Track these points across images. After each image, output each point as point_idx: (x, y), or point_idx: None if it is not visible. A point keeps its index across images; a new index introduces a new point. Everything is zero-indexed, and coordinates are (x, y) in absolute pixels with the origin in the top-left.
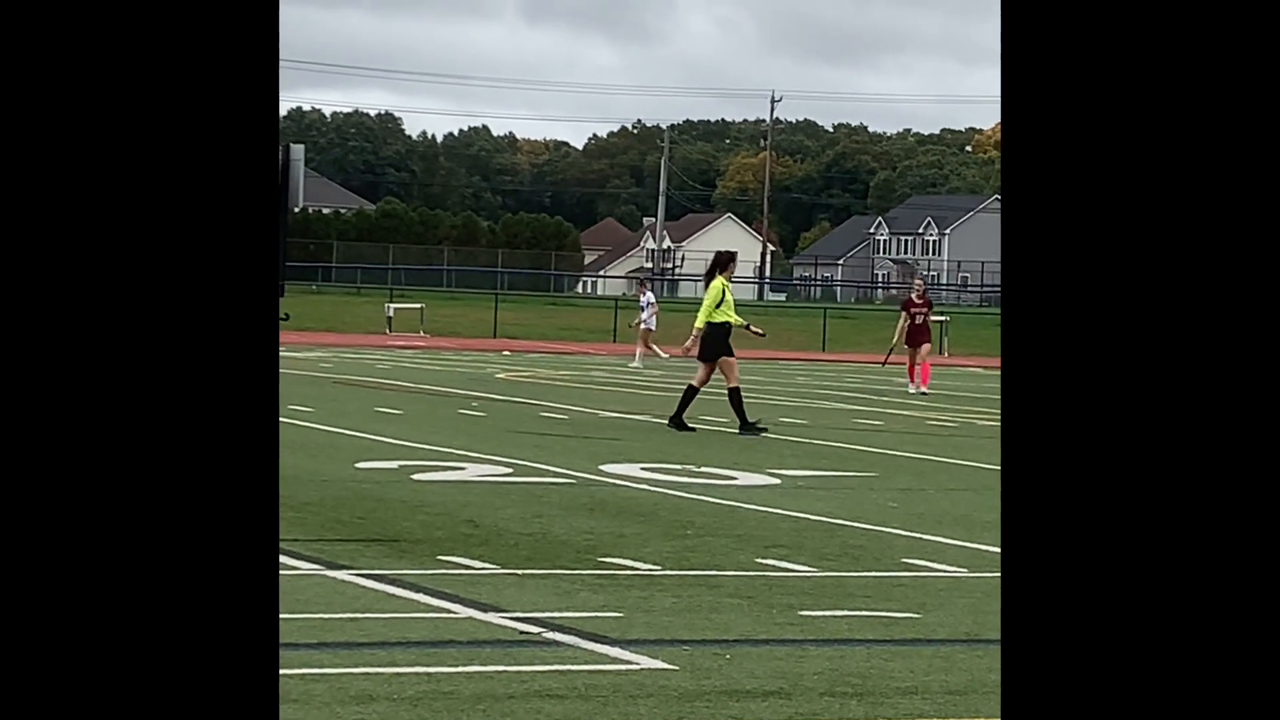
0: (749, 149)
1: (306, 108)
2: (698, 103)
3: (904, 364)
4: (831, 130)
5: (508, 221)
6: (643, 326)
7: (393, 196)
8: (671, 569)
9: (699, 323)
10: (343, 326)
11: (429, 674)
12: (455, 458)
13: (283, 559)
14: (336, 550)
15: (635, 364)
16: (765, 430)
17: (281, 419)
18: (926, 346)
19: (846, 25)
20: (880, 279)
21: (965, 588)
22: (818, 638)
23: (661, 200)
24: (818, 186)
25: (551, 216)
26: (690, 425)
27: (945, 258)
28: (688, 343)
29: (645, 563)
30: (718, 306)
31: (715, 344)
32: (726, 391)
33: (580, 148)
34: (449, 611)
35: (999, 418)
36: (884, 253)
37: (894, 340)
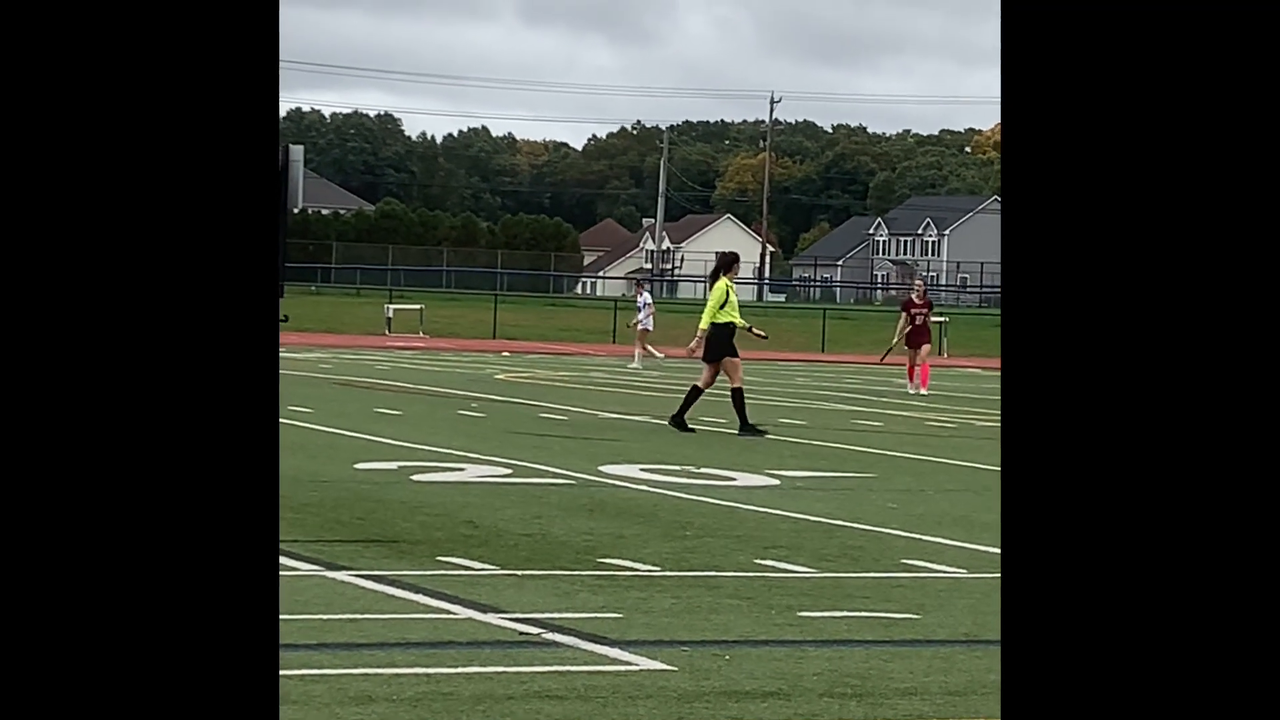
0: (748, 150)
1: (306, 109)
2: (697, 104)
3: (903, 364)
4: (831, 131)
5: (507, 222)
6: (640, 327)
7: (392, 197)
8: (671, 570)
9: (703, 324)
10: (342, 327)
11: (428, 675)
12: (454, 458)
13: (282, 560)
14: (336, 551)
15: (635, 365)
16: (765, 432)
17: (281, 420)
18: (926, 347)
19: (846, 26)
20: (879, 280)
21: (964, 588)
22: (817, 638)
23: (661, 201)
24: (817, 187)
25: (551, 217)
26: (690, 426)
27: (944, 258)
28: (692, 344)
29: (644, 563)
30: (722, 307)
31: (720, 345)
32: (730, 392)
33: (579, 148)
34: (448, 612)
35: (998, 419)
36: (883, 254)
37: (893, 340)
